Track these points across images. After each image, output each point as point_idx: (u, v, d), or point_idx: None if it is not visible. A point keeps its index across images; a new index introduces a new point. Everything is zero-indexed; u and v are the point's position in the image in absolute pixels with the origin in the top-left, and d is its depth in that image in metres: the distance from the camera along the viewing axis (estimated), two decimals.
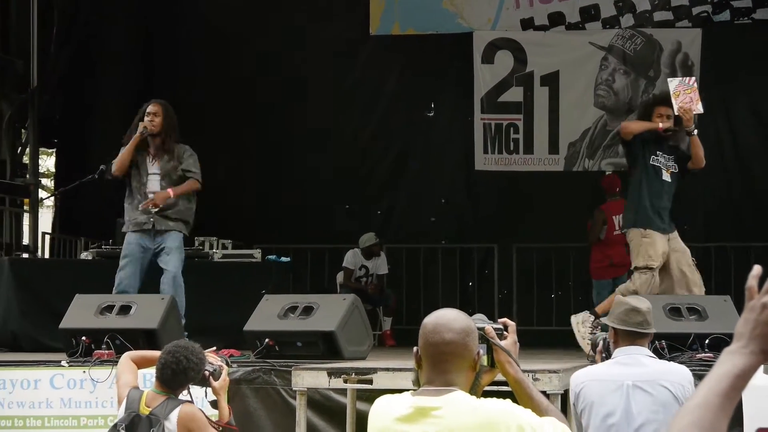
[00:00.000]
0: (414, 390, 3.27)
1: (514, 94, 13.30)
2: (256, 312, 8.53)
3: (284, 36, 13.49)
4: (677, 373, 5.41)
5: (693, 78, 8.46)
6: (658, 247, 8.47)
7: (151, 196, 8.89)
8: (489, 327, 3.37)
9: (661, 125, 8.38)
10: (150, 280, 9.00)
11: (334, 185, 13.30)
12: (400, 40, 13.42)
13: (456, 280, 13.23)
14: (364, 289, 12.19)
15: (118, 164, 8.97)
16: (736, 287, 9.14)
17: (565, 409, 6.69)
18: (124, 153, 8.93)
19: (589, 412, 5.45)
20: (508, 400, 3.20)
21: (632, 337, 5.41)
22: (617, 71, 13.06)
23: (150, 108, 8.93)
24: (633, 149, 8.64)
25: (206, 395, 5.77)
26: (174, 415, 5.32)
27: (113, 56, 13.52)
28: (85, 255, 10.68)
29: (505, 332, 3.42)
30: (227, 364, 5.82)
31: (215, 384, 5.57)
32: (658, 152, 8.51)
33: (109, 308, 8.40)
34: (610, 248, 11.98)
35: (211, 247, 10.72)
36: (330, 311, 8.33)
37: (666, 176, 8.50)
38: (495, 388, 3.54)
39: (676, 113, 8.23)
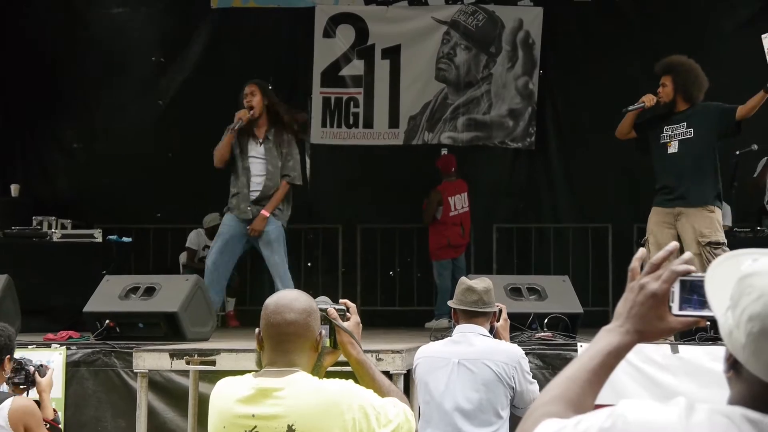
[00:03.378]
0: (256, 371, 3.26)
1: (355, 67, 13.25)
2: (96, 293, 8.39)
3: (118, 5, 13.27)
4: (504, 352, 5.53)
5: None
6: (651, 220, 8.36)
7: (255, 180, 8.91)
8: (331, 309, 3.38)
9: (631, 108, 8.30)
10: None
11: (174, 164, 13.07)
12: (241, 13, 13.27)
13: (300, 260, 13.19)
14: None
15: (217, 155, 9.10)
16: None
17: (408, 388, 6.76)
18: (222, 145, 9.03)
19: (420, 387, 5.65)
20: (350, 381, 3.22)
21: (468, 316, 5.58)
22: (459, 46, 13.15)
23: (248, 89, 8.99)
24: (642, 143, 8.57)
25: (28, 394, 5.47)
26: (4, 409, 4.95)
27: None
28: None
29: (347, 313, 3.44)
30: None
31: (41, 380, 5.37)
32: (665, 127, 8.37)
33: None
34: (448, 229, 12.13)
35: (50, 227, 10.48)
36: (172, 292, 8.25)
37: (672, 148, 8.31)
38: (338, 369, 3.56)
39: None
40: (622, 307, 1.94)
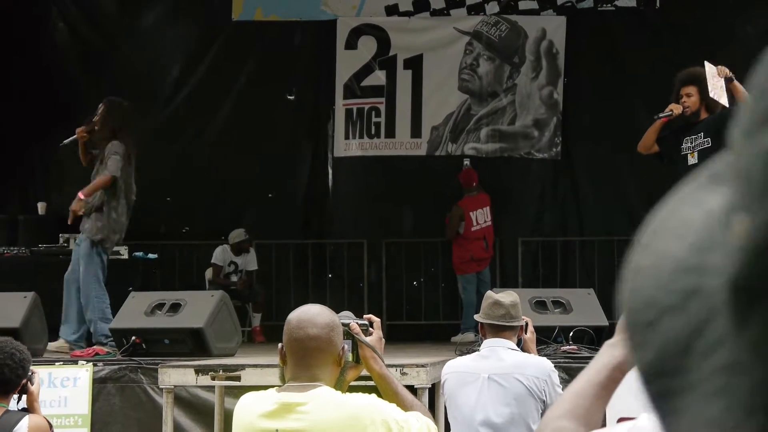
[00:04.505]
0: (280, 386, 3.27)
1: (377, 78, 13.28)
2: (122, 309, 8.43)
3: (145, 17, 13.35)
4: (534, 366, 5.50)
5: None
6: None
7: None
8: (354, 323, 3.39)
9: (662, 114, 8.37)
10: None
11: (199, 178, 13.10)
12: (263, 27, 13.31)
13: (326, 275, 13.21)
14: (233, 285, 12.11)
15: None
16: None
17: (433, 403, 6.75)
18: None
19: (449, 403, 5.60)
20: (373, 395, 3.21)
21: (496, 330, 5.53)
22: (482, 56, 13.14)
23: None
24: (665, 158, 8.58)
25: (18, 401, 5.16)
26: (23, 427, 4.83)
27: None
28: None
29: (370, 328, 3.44)
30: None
31: (32, 389, 5.06)
32: (685, 138, 8.38)
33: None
34: (471, 243, 12.10)
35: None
36: (198, 308, 8.27)
37: (693, 159, 8.29)
38: (361, 383, 3.56)
39: (711, 95, 8.02)
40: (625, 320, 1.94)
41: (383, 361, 3.42)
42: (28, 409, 5.06)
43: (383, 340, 3.48)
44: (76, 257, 8.98)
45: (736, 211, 0.63)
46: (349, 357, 3.34)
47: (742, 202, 0.63)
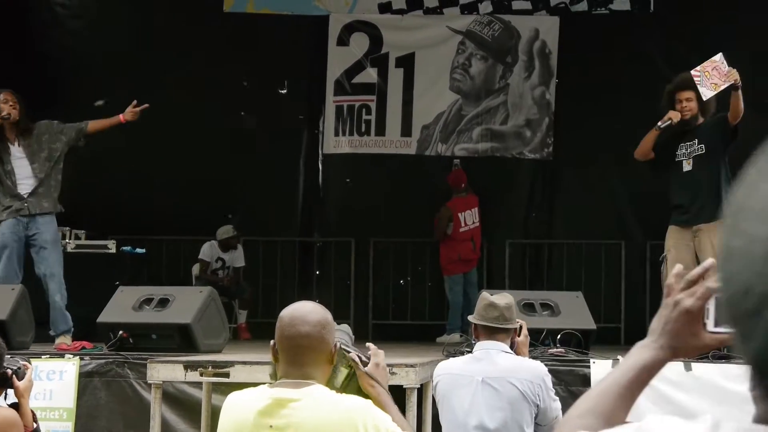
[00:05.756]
0: (270, 383, 3.27)
1: (368, 75, 13.27)
2: (110, 303, 8.42)
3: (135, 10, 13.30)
4: (528, 370, 5.46)
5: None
6: (669, 238, 8.44)
7: (21, 181, 8.83)
8: (353, 354, 3.45)
9: (662, 125, 8.40)
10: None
11: (187, 172, 13.06)
12: (254, 19, 13.27)
13: (313, 273, 13.20)
14: (220, 281, 12.10)
15: None
16: None
17: (421, 403, 6.76)
18: None
19: (441, 405, 5.55)
20: (369, 401, 3.23)
21: (489, 332, 5.47)
22: (474, 56, 13.14)
23: (3, 96, 8.85)
24: (659, 164, 8.59)
25: (5, 397, 5.07)
26: None
27: None
28: None
29: (368, 354, 3.52)
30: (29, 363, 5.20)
31: (19, 384, 4.94)
32: (680, 145, 8.41)
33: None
34: (459, 244, 12.12)
35: (64, 238, 10.50)
36: (186, 303, 8.26)
37: (687, 166, 8.36)
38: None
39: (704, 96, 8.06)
40: (657, 323, 1.94)
41: (385, 388, 3.45)
42: (17, 404, 4.92)
43: (381, 366, 3.50)
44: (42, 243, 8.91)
45: None
46: (340, 378, 3.40)
47: None
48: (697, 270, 1.90)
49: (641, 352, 1.92)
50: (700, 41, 11.81)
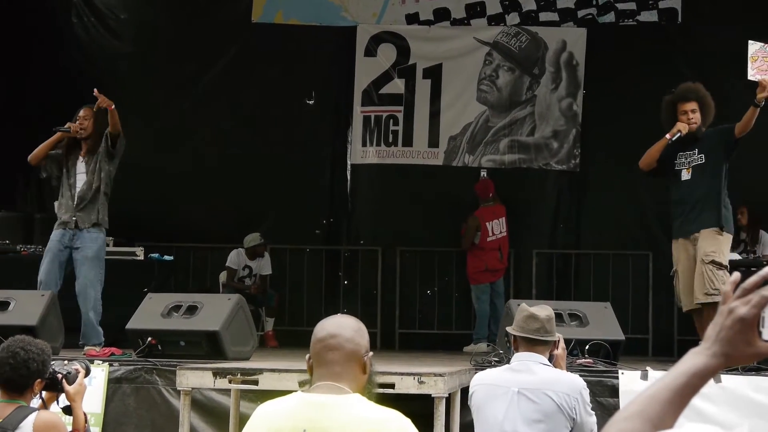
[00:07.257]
0: (304, 389, 3.28)
1: (396, 86, 13.29)
2: (139, 310, 8.45)
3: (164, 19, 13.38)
4: (565, 383, 5.42)
5: None
6: (674, 252, 8.55)
7: (79, 195, 8.98)
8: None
9: (668, 135, 8.42)
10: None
11: (215, 181, 13.11)
12: (282, 30, 13.32)
13: (340, 282, 13.21)
14: (247, 289, 12.12)
15: (34, 153, 9.06)
16: None
17: (449, 412, 6.75)
18: (43, 145, 9.07)
19: (476, 415, 5.51)
20: (401, 414, 3.23)
21: (529, 344, 5.45)
22: (501, 67, 13.15)
23: (81, 112, 9.09)
24: (659, 174, 8.67)
25: (58, 401, 5.16)
26: (28, 424, 4.74)
27: None
28: None
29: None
30: (87, 369, 5.27)
31: (69, 388, 5.03)
32: (679, 154, 8.49)
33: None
34: (486, 254, 12.11)
35: None
36: (214, 311, 8.28)
37: (685, 175, 8.44)
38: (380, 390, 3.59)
39: (751, 78, 8.00)
40: (711, 330, 1.94)
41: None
42: (69, 408, 5.03)
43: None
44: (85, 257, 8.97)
45: None
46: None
47: None
48: (754, 278, 1.90)
49: (694, 358, 1.91)
50: (728, 53, 11.78)
